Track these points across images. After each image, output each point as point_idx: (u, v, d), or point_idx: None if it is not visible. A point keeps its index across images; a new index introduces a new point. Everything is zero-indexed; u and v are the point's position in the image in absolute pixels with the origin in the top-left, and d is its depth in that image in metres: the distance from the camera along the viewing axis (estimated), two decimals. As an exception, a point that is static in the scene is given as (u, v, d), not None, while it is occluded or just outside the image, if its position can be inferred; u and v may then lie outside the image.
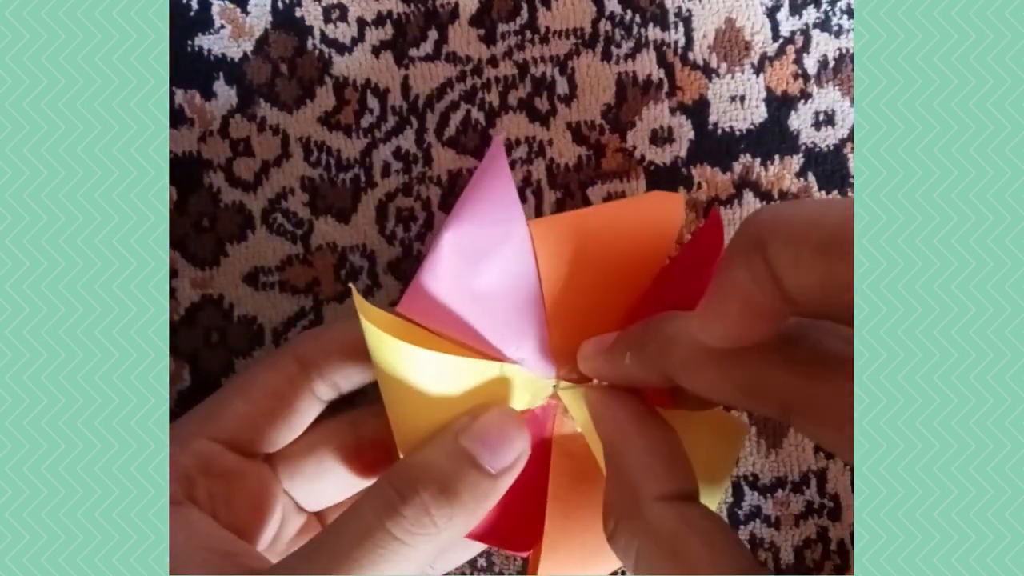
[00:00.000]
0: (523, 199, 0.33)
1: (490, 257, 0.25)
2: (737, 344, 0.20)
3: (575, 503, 0.26)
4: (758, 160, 0.32)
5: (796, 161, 0.32)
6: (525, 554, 0.27)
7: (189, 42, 0.32)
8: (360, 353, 0.25)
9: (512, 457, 0.24)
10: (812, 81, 0.32)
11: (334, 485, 0.29)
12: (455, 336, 0.25)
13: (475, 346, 0.25)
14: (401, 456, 0.25)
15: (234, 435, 0.27)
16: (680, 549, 0.20)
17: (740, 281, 0.19)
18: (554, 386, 0.27)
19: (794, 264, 0.18)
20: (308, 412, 0.28)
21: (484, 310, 0.25)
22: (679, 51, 0.32)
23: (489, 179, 0.25)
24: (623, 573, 0.32)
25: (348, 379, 0.28)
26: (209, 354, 0.33)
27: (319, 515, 0.30)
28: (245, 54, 0.33)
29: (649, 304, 0.27)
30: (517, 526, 0.26)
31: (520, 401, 0.26)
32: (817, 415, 0.20)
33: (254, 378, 0.28)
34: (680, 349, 0.22)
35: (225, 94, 0.33)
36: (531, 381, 0.26)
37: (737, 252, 0.19)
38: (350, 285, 0.25)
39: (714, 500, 0.27)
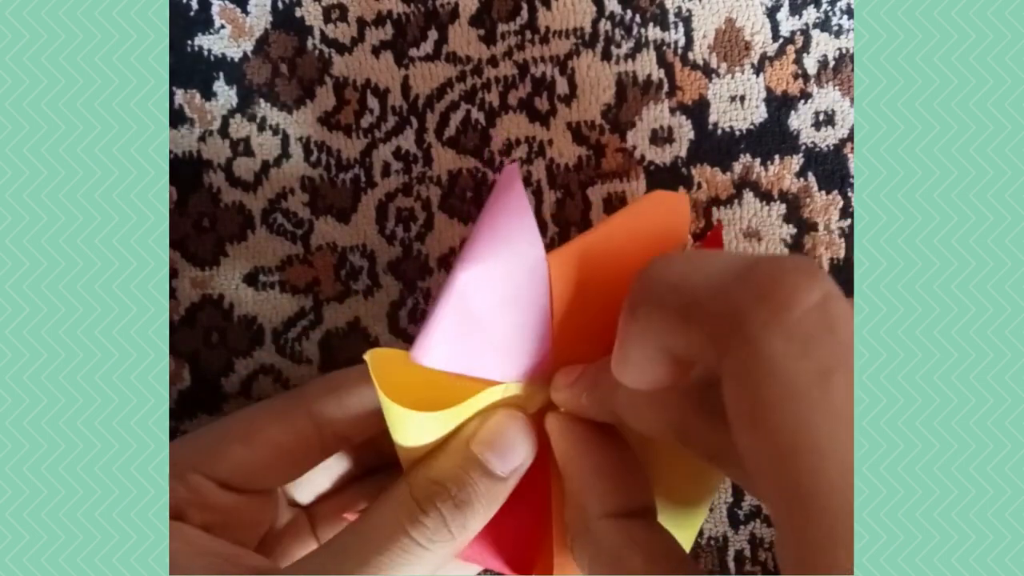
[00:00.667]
0: (523, 199, 0.33)
1: (506, 292, 0.25)
2: (653, 387, 0.20)
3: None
4: (758, 160, 0.32)
5: (796, 161, 0.32)
6: None
7: (189, 42, 0.32)
8: (380, 418, 0.25)
9: (520, 458, 0.25)
10: (812, 81, 0.32)
11: (327, 475, 0.29)
12: (466, 373, 0.25)
13: (485, 380, 0.25)
14: (403, 462, 0.25)
15: (231, 478, 0.27)
16: (622, 562, 0.22)
17: (632, 333, 0.19)
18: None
19: (662, 328, 0.18)
20: (314, 465, 0.28)
21: (494, 340, 0.25)
22: (679, 51, 0.32)
23: (506, 210, 0.25)
24: None
25: (365, 434, 0.28)
26: (209, 354, 0.33)
27: (307, 510, 0.30)
28: (245, 54, 0.33)
29: None
30: (519, 542, 0.26)
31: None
32: (732, 464, 0.21)
33: (262, 426, 0.27)
34: (623, 390, 0.22)
35: (225, 94, 0.33)
36: (529, 389, 0.26)
37: (626, 306, 0.19)
38: (366, 356, 0.23)
39: (700, 514, 0.27)
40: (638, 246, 0.26)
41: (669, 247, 0.27)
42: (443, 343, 0.24)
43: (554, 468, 0.26)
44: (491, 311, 0.25)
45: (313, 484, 0.29)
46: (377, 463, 0.30)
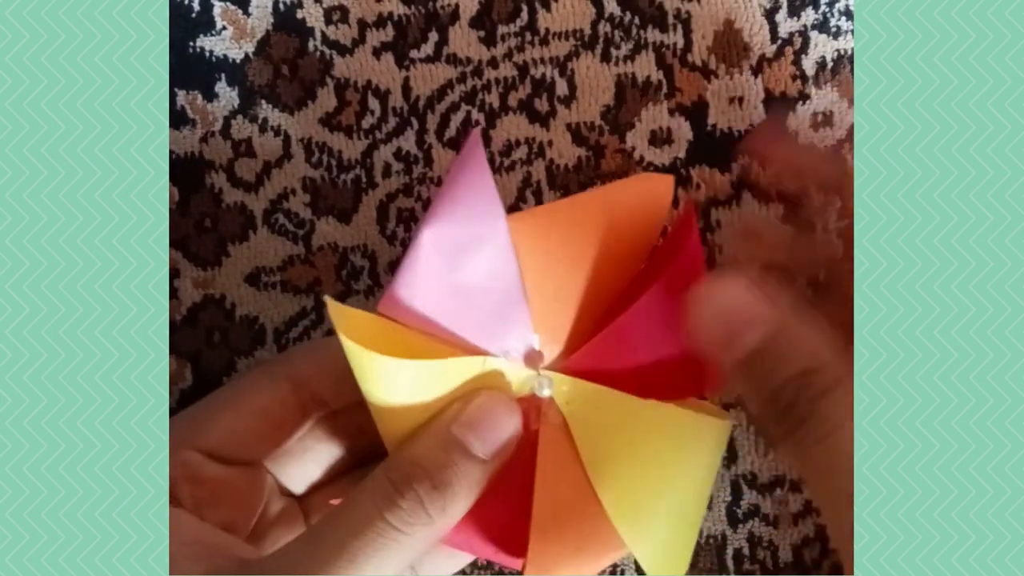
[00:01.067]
0: (523, 200, 0.33)
1: (470, 253, 0.25)
2: None
3: (564, 494, 0.26)
4: (756, 161, 0.32)
5: (796, 162, 0.32)
6: (519, 564, 0.26)
7: (191, 43, 0.33)
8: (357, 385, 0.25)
9: (502, 440, 0.24)
10: (810, 82, 0.32)
11: (318, 464, 0.29)
12: (436, 332, 0.25)
13: (457, 342, 0.25)
14: (387, 446, 0.25)
15: (219, 448, 0.27)
16: None
17: None
18: (539, 374, 0.26)
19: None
20: (296, 430, 0.28)
21: (465, 306, 0.25)
22: (678, 53, 0.32)
23: (467, 173, 0.25)
24: (616, 567, 0.32)
25: (341, 398, 0.28)
26: (211, 354, 0.33)
27: (300, 501, 0.29)
28: (247, 55, 0.33)
29: (634, 292, 0.26)
30: (507, 527, 0.26)
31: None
32: None
33: (245, 392, 0.28)
34: None
35: (227, 95, 0.33)
36: (514, 372, 0.26)
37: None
38: (325, 298, 0.24)
39: (701, 504, 0.27)
40: (612, 223, 0.26)
41: (645, 227, 0.26)
42: (411, 296, 0.24)
43: (542, 451, 0.26)
44: (458, 270, 0.24)
45: (306, 474, 0.29)
46: (371, 455, 0.30)
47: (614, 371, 0.26)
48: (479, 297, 0.25)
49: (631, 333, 0.26)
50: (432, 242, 0.24)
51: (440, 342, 0.25)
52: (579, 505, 0.25)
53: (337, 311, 0.24)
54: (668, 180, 0.27)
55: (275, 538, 0.28)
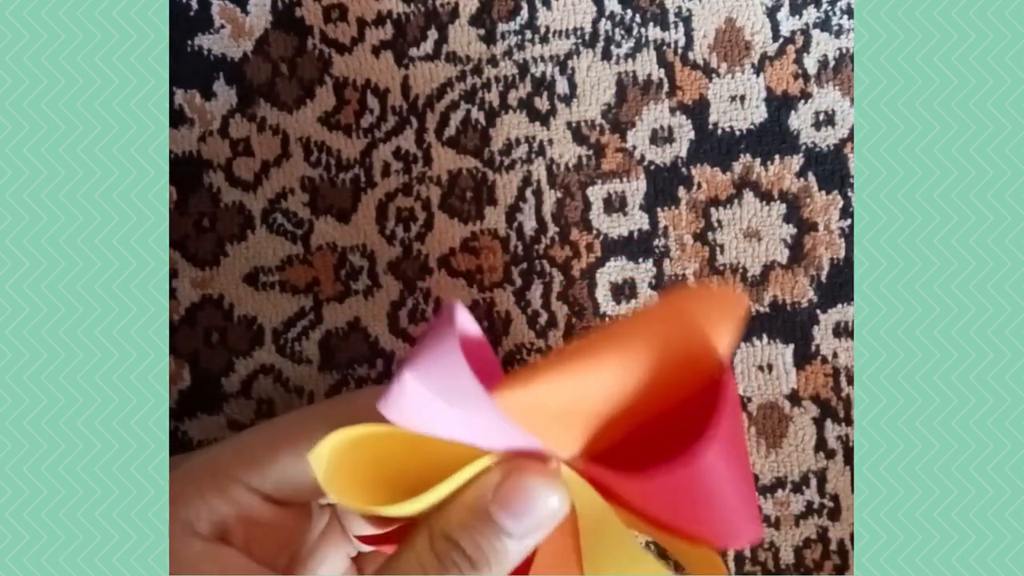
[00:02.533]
0: (523, 199, 0.33)
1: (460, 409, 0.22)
2: None
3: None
4: (758, 160, 0.32)
5: (796, 161, 0.32)
6: None
7: (189, 42, 0.32)
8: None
9: (541, 517, 0.23)
10: (812, 81, 0.32)
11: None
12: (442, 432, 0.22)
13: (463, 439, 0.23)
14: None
15: (276, 492, 0.26)
16: None
17: None
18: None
19: None
20: None
21: (464, 425, 0.22)
22: (679, 51, 0.32)
23: (437, 354, 0.21)
24: None
25: None
26: (209, 354, 0.33)
27: (339, 512, 0.29)
28: (245, 54, 0.33)
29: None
30: None
31: None
32: None
33: (311, 432, 0.25)
34: None
35: (225, 94, 0.33)
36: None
37: None
38: (311, 458, 0.21)
39: None
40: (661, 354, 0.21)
41: (695, 371, 0.21)
42: (414, 392, 0.21)
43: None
44: (452, 406, 0.21)
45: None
46: None
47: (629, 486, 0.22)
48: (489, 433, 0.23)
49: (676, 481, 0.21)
50: (416, 382, 0.21)
51: (448, 444, 0.23)
52: None
53: (328, 460, 0.21)
54: (738, 300, 0.21)
55: (319, 554, 0.28)
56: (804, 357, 0.32)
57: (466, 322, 0.23)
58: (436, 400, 0.21)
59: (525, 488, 0.23)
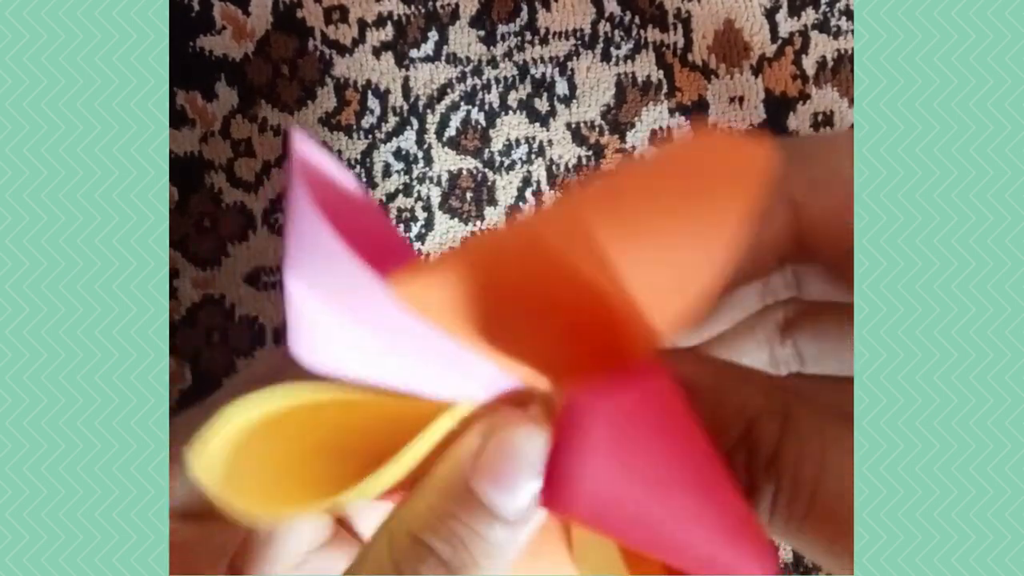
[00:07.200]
0: (523, 199, 0.33)
1: (357, 305, 0.16)
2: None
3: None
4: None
5: (796, 162, 0.32)
6: None
7: (191, 43, 0.33)
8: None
9: (536, 490, 0.17)
10: (811, 82, 0.32)
11: None
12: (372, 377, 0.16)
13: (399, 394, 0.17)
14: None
15: (187, 504, 0.22)
16: None
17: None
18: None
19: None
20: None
21: (388, 354, 0.16)
22: (678, 52, 0.32)
23: (299, 220, 0.15)
24: None
25: None
26: (210, 354, 0.33)
27: (342, 522, 0.25)
28: (246, 55, 0.33)
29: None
30: None
31: None
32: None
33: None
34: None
35: (226, 95, 0.33)
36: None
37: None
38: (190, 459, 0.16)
39: None
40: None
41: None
42: (310, 354, 0.16)
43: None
44: (360, 320, 0.16)
45: None
46: None
47: None
48: (405, 343, 0.16)
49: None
50: (302, 287, 0.16)
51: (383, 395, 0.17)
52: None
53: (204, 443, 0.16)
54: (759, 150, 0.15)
55: (324, 559, 0.24)
56: (804, 358, 0.33)
57: (322, 164, 0.16)
58: (334, 308, 0.15)
59: (518, 447, 0.17)
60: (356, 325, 0.16)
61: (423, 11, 0.32)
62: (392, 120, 0.33)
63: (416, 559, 0.17)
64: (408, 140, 0.33)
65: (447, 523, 0.17)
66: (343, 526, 0.27)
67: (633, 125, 0.33)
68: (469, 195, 0.33)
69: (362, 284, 0.15)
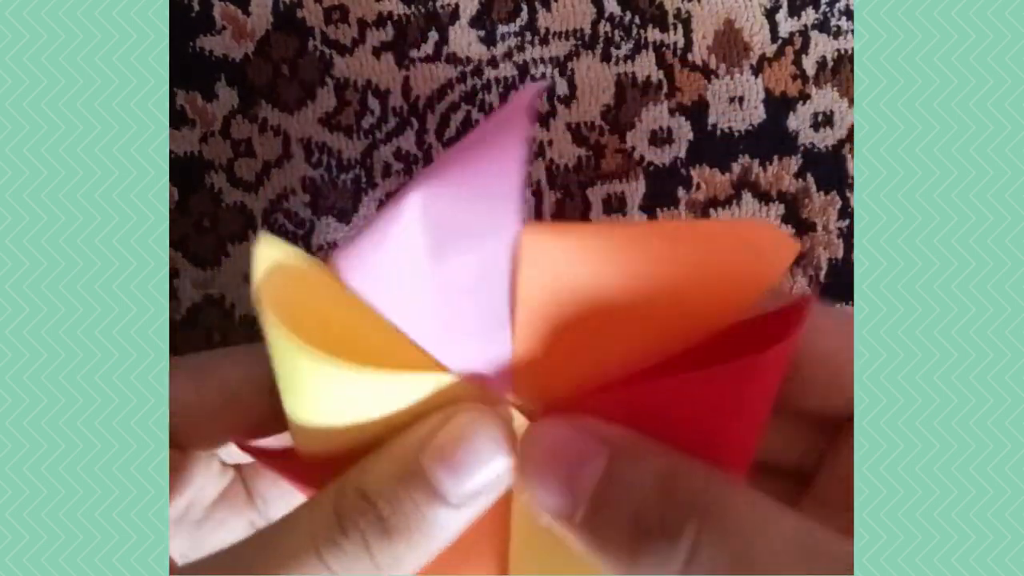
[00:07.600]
0: (523, 199, 0.33)
1: (462, 245, 0.18)
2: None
3: (542, 549, 0.20)
4: (757, 161, 0.32)
5: (795, 162, 0.32)
6: None
7: (191, 43, 0.33)
8: None
9: (485, 480, 0.18)
10: (811, 82, 0.32)
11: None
12: (389, 317, 0.19)
13: (409, 343, 0.19)
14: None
15: (174, 429, 0.22)
16: None
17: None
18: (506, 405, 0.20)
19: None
20: (262, 415, 0.22)
21: (434, 303, 0.19)
22: (678, 52, 0.32)
23: (494, 140, 0.18)
24: None
25: None
26: (209, 355, 0.33)
27: (242, 473, 0.25)
28: (246, 55, 0.33)
29: (677, 367, 0.19)
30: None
31: None
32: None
33: (216, 365, 0.23)
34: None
35: (226, 95, 0.33)
36: (478, 399, 0.19)
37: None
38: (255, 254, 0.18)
39: None
40: (699, 265, 0.19)
41: (727, 296, 0.19)
42: (376, 262, 0.18)
43: (518, 497, 0.20)
44: (440, 259, 0.18)
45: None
46: None
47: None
48: (456, 300, 0.19)
49: (661, 407, 0.19)
50: (422, 208, 0.18)
51: (392, 335, 0.19)
52: (560, 562, 0.19)
53: (268, 258, 0.18)
54: (791, 245, 0.20)
55: (218, 520, 0.25)
56: (804, 358, 0.32)
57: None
58: (427, 245, 0.17)
59: (474, 436, 0.18)
60: (433, 260, 0.18)
61: (423, 11, 0.32)
62: (392, 120, 0.33)
63: (357, 512, 0.18)
64: (408, 140, 0.33)
65: (395, 488, 0.18)
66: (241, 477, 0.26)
67: (633, 125, 0.33)
68: (469, 195, 0.33)
69: (501, 201, 0.18)
